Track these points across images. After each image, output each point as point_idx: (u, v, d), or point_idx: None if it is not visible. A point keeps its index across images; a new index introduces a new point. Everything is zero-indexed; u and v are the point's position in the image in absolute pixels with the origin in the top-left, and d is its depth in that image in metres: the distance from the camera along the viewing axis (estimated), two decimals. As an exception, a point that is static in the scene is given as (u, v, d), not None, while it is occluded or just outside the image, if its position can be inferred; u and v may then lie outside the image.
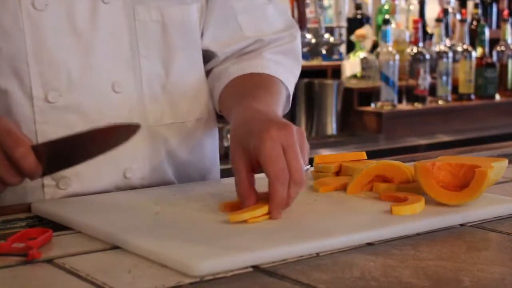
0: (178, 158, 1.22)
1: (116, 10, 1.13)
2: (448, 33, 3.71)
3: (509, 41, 3.77)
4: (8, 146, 0.95)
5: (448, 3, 3.85)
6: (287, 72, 1.28)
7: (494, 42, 3.75)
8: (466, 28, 3.58)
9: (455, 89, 3.52)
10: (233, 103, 1.16)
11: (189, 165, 1.25)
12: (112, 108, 1.13)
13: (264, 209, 0.94)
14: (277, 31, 1.31)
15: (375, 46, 3.46)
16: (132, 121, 0.93)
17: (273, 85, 1.23)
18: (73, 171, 1.09)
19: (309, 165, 0.98)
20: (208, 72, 1.30)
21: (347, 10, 3.56)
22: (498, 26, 3.96)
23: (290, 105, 1.32)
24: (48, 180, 1.10)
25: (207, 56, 1.29)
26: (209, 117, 1.28)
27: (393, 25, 3.37)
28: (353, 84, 3.32)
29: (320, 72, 3.26)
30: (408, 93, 3.36)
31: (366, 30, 3.43)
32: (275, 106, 1.14)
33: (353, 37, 3.43)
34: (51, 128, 1.09)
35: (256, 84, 1.22)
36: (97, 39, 1.11)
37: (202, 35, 1.26)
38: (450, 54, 3.46)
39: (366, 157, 1.22)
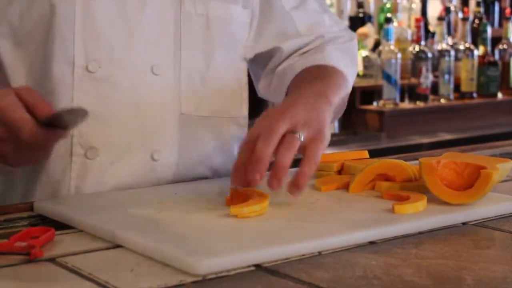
0: (207, 155, 1.25)
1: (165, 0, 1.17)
2: (450, 31, 3.71)
3: (511, 40, 3.77)
4: (15, 132, 0.95)
5: (450, 1, 3.85)
6: (348, 68, 1.29)
7: (496, 40, 3.75)
8: (468, 26, 3.58)
9: (457, 87, 3.52)
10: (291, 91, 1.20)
11: (218, 164, 1.26)
12: (148, 88, 1.16)
13: (264, 204, 0.95)
14: (335, 31, 1.35)
15: (377, 44, 3.46)
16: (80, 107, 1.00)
17: (334, 76, 1.24)
18: (101, 142, 1.13)
19: (301, 136, 1.00)
20: (272, 70, 1.33)
21: (349, 8, 3.55)
22: (500, 25, 3.96)
23: (345, 106, 1.32)
24: (77, 148, 1.13)
25: (271, 53, 1.32)
26: (241, 123, 1.31)
27: (395, 23, 3.37)
28: (355, 82, 3.29)
29: (322, 71, 3.26)
30: (410, 92, 3.36)
31: (368, 29, 3.43)
32: (328, 88, 1.15)
33: (355, 36, 3.42)
34: (87, 96, 1.12)
35: (316, 75, 1.23)
36: (142, 21, 1.15)
37: (260, 38, 1.30)
38: (452, 53, 3.45)
39: (368, 156, 1.22)
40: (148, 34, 1.16)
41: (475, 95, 3.56)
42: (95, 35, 1.12)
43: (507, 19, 3.79)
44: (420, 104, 3.34)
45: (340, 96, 1.17)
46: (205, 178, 1.24)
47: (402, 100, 3.31)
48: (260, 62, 1.34)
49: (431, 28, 3.66)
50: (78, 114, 0.98)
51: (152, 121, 1.17)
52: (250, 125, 1.18)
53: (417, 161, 1.06)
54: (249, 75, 1.36)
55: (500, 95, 3.67)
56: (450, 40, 3.57)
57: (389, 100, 3.22)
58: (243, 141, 1.02)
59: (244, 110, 1.31)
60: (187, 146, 1.21)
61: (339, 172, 1.19)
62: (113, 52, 1.13)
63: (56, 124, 0.97)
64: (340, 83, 1.22)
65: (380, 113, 3.18)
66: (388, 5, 3.59)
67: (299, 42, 1.32)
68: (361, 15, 3.55)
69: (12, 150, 1.00)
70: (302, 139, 0.99)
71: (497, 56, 3.71)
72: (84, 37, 1.12)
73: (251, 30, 1.30)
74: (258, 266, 0.79)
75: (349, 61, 1.32)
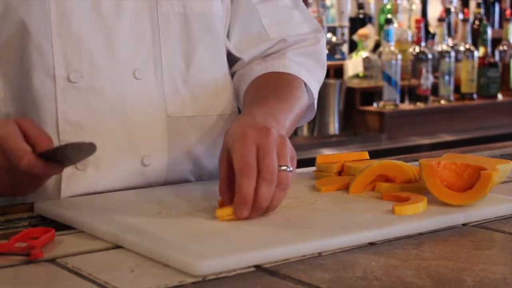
0: (196, 154, 1.23)
1: (139, 0, 1.16)
2: (450, 32, 3.71)
3: (511, 41, 3.77)
4: (13, 161, 0.96)
5: (451, 2, 3.85)
6: (309, 74, 1.27)
7: (496, 41, 3.75)
8: (468, 27, 3.58)
9: (457, 88, 3.52)
10: (245, 107, 1.18)
11: (207, 163, 1.25)
12: (132, 93, 1.15)
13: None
14: (301, 34, 1.31)
15: (377, 45, 3.46)
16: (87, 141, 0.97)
17: (290, 87, 1.22)
18: None
19: (290, 168, 0.95)
20: (233, 74, 1.31)
21: (349, 9, 3.55)
22: (501, 26, 3.96)
23: (315, 111, 1.31)
24: None
25: (233, 59, 1.29)
26: (231, 120, 1.26)
27: (395, 24, 3.37)
28: (355, 83, 3.32)
29: (322, 72, 3.26)
30: (410, 93, 3.36)
31: (368, 30, 3.43)
32: (281, 113, 1.12)
33: (355, 37, 3.43)
34: (71, 107, 1.11)
35: (273, 87, 1.21)
36: (120, 27, 1.14)
37: (228, 36, 1.28)
38: (453, 54, 3.46)
39: (368, 157, 1.22)
40: (127, 38, 1.14)
41: (475, 96, 3.56)
42: (74, 45, 1.11)
43: (507, 20, 3.79)
44: (420, 105, 3.34)
45: (293, 115, 1.16)
46: (196, 178, 1.24)
47: (402, 101, 3.31)
48: None
49: (431, 29, 3.66)
50: (84, 149, 0.96)
51: (139, 126, 1.15)
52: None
53: (417, 162, 1.06)
54: None
55: (500, 96, 3.67)
56: (450, 41, 3.58)
57: (389, 101, 3.22)
58: (220, 158, 0.98)
59: (232, 106, 1.27)
60: (177, 148, 1.20)
61: (339, 173, 1.19)
62: (94, 60, 1.11)
63: (54, 158, 0.97)
64: (296, 94, 1.20)
65: (380, 114, 3.18)
66: (388, 6, 3.60)
67: (260, 49, 1.28)
68: (361, 16, 3.55)
69: (8, 179, 1.00)
70: (290, 169, 0.95)
71: (497, 57, 3.71)
72: (62, 48, 1.10)
73: (226, 25, 1.27)
74: (258, 267, 0.79)
75: (312, 65, 1.29)
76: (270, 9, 1.30)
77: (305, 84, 1.26)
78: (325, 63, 1.34)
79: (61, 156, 0.98)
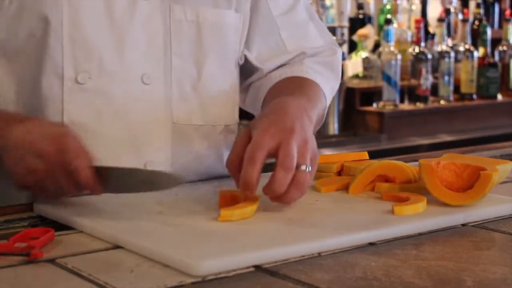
0: (200, 162, 1.23)
1: (153, 6, 1.16)
2: (450, 33, 3.71)
3: (511, 41, 3.77)
4: (69, 159, 0.97)
5: (450, 2, 3.85)
6: (326, 82, 1.28)
7: (496, 42, 3.75)
8: (468, 27, 3.58)
9: (457, 89, 3.52)
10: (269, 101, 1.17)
11: (211, 172, 1.24)
12: (139, 98, 1.15)
13: (253, 208, 0.95)
14: (317, 46, 1.33)
15: (377, 46, 3.46)
16: (175, 173, 0.96)
17: (311, 89, 1.23)
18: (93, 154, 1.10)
19: (309, 167, 0.96)
20: (248, 85, 1.32)
21: (349, 9, 3.55)
22: (500, 26, 3.96)
23: (323, 122, 1.31)
24: None
25: (252, 69, 1.30)
26: (235, 130, 1.29)
27: (395, 24, 3.37)
28: (355, 84, 3.32)
29: (322, 72, 3.25)
30: (410, 93, 3.36)
31: (368, 30, 3.43)
32: (308, 104, 1.12)
33: (355, 37, 3.43)
34: (78, 108, 1.11)
35: (295, 85, 1.23)
36: (131, 31, 1.14)
37: (248, 47, 1.29)
38: (452, 54, 3.45)
39: (368, 157, 1.23)
40: (138, 43, 1.14)
41: (474, 96, 3.56)
42: (84, 46, 1.11)
43: (507, 20, 3.79)
44: (420, 105, 3.34)
45: (317, 112, 1.17)
46: None
47: (402, 101, 3.31)
48: (240, 74, 1.32)
49: (431, 29, 3.66)
50: (143, 181, 0.98)
51: (144, 131, 1.15)
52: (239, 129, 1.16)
53: (416, 163, 1.06)
54: None
55: (499, 97, 3.67)
56: (450, 42, 3.58)
57: (389, 101, 3.22)
58: (239, 136, 1.00)
59: (237, 116, 1.29)
60: (181, 155, 1.20)
61: (339, 173, 1.19)
62: (103, 62, 1.12)
63: (102, 177, 0.98)
64: (318, 96, 1.22)
65: (380, 114, 3.18)
66: (388, 7, 3.60)
67: (281, 60, 1.30)
68: (361, 16, 3.55)
69: (48, 177, 0.99)
70: (309, 169, 0.96)
71: (497, 58, 3.70)
72: (72, 48, 1.10)
73: (242, 35, 1.28)
74: (257, 267, 0.79)
75: (329, 75, 1.31)
76: (288, 22, 1.31)
77: None
78: (340, 74, 1.36)
79: (111, 180, 0.99)
